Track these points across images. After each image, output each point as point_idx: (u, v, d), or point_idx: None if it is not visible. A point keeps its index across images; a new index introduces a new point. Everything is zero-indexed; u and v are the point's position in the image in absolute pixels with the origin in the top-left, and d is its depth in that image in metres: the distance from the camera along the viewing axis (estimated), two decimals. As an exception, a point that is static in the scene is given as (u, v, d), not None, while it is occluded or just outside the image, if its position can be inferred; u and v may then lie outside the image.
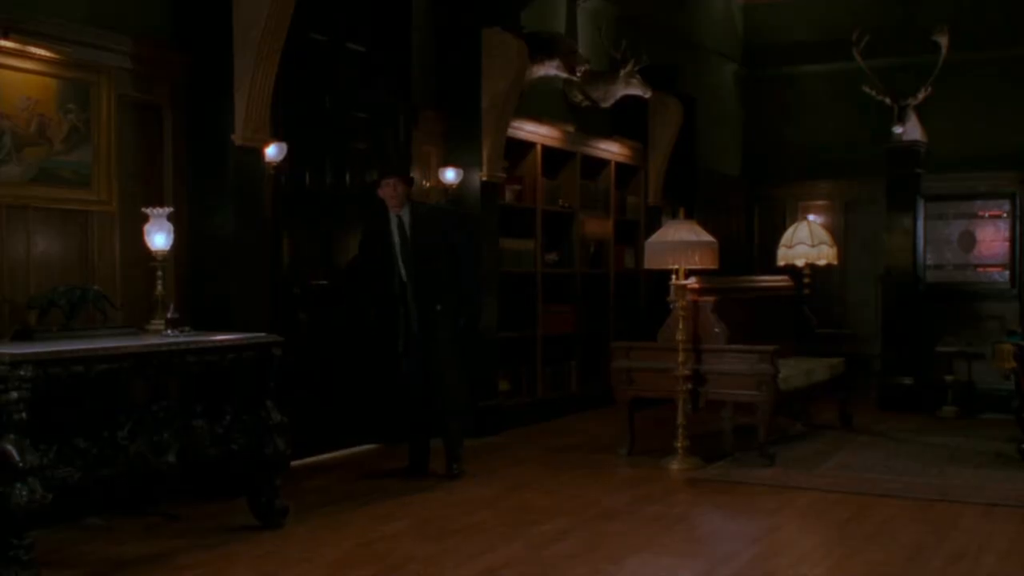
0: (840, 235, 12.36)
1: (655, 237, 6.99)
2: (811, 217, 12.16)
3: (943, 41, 9.72)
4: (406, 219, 6.46)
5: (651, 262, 6.95)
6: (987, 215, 9.80)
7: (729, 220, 12.96)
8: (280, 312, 6.49)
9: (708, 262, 6.77)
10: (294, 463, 5.98)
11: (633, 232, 10.36)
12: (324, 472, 6.68)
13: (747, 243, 13.31)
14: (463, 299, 6.53)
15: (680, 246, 6.74)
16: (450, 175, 7.73)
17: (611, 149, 9.94)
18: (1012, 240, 9.67)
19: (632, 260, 10.29)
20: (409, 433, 6.72)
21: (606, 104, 9.66)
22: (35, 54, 5.18)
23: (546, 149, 8.96)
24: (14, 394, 4.13)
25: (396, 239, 6.46)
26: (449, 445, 6.59)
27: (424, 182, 7.82)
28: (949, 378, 9.27)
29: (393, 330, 6.53)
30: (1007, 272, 9.68)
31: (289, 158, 6.42)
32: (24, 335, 4.77)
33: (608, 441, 7.66)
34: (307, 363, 6.75)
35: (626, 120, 10.20)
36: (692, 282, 7.03)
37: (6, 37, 4.92)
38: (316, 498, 5.92)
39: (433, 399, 6.54)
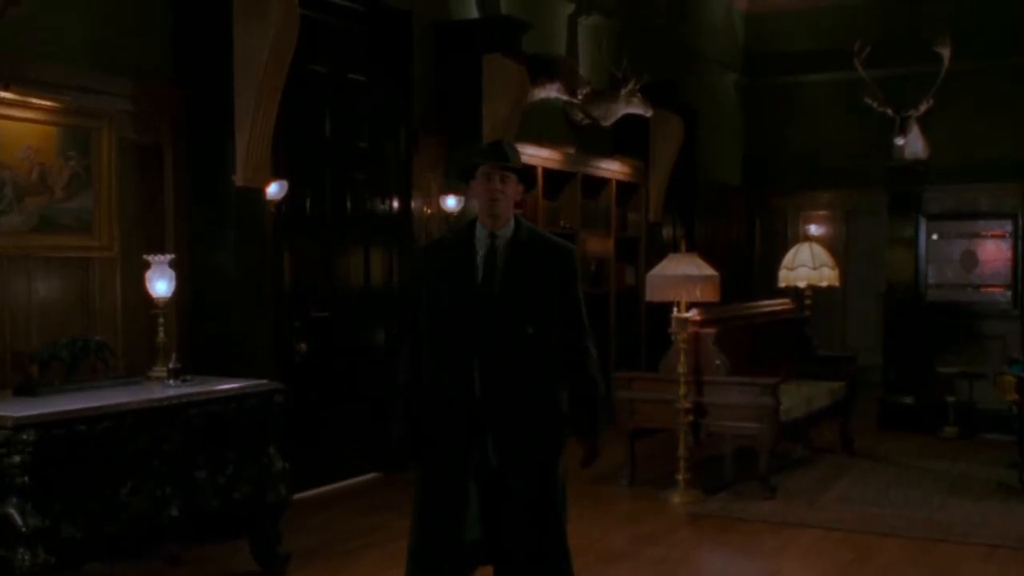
0: (841, 245, 12.40)
1: (657, 270, 6.97)
2: (812, 228, 12.18)
3: (945, 52, 9.66)
4: (502, 242, 3.76)
5: (653, 295, 6.93)
6: (989, 234, 9.76)
7: (730, 228, 12.97)
8: (281, 346, 6.49)
9: (710, 295, 6.75)
10: (294, 496, 5.96)
11: (634, 249, 10.33)
12: (325, 507, 6.66)
13: (748, 251, 13.32)
14: (589, 395, 3.87)
15: (682, 280, 6.72)
16: (451, 202, 7.69)
17: (612, 168, 9.91)
18: (1015, 260, 9.64)
19: (632, 277, 10.26)
20: None
21: (607, 123, 9.61)
22: (35, 104, 5.14)
23: (547, 171, 8.91)
24: (16, 458, 4.13)
25: (480, 272, 3.73)
26: None
27: (425, 209, 7.79)
28: (951, 399, 9.24)
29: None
30: (1009, 292, 9.64)
31: (290, 189, 6.39)
32: (26, 389, 4.74)
33: (609, 468, 7.62)
34: (307, 394, 6.74)
35: (627, 137, 10.15)
36: (693, 314, 7.01)
37: (7, 89, 4.89)
38: (318, 538, 5.92)
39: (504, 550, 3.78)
